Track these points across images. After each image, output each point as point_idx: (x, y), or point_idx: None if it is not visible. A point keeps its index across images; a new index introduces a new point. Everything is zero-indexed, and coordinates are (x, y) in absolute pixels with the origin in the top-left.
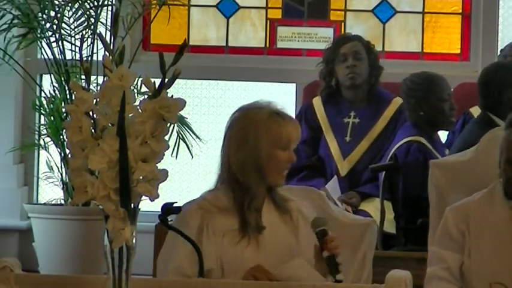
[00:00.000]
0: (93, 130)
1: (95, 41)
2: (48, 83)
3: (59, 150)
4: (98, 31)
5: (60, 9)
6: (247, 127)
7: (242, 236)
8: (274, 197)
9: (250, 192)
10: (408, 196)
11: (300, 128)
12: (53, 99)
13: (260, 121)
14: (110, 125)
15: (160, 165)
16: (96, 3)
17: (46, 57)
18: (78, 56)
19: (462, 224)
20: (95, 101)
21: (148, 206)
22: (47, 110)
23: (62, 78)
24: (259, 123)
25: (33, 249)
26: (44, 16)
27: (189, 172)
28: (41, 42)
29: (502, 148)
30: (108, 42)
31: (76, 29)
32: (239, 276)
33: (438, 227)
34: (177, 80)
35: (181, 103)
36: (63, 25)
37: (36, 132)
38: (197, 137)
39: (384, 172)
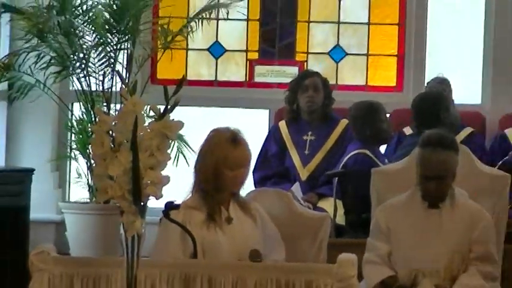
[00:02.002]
0: (112, 145)
1: (114, 76)
2: (77, 109)
3: (86, 160)
4: (116, 69)
5: (87, 52)
6: (208, 147)
7: (214, 226)
8: (236, 199)
9: (212, 196)
10: (355, 196)
11: (251, 155)
12: (81, 122)
13: (216, 144)
14: (125, 141)
15: (164, 172)
16: (115, 47)
17: (76, 88)
18: (101, 88)
19: (388, 220)
20: (113, 122)
21: (154, 203)
22: (77, 129)
23: (89, 105)
24: (216, 146)
25: (66, 237)
26: (75, 57)
27: (186, 177)
28: (72, 77)
29: (418, 163)
30: (124, 77)
31: (99, 67)
32: (217, 258)
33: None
34: (177, 107)
35: (180, 124)
36: (90, 64)
37: (68, 147)
38: (192, 150)
39: (336, 177)
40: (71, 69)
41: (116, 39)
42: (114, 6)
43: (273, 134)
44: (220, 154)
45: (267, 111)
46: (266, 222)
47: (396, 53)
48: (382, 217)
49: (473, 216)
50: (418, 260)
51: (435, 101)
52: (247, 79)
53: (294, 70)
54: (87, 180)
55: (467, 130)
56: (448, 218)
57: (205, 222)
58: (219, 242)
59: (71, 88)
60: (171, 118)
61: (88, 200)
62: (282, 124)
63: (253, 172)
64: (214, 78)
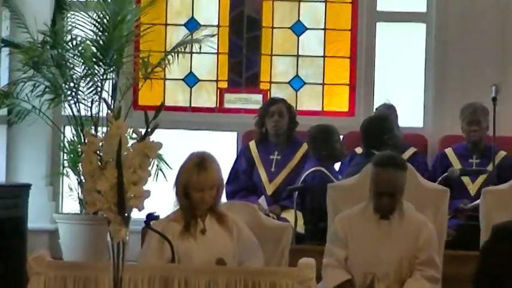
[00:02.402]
0: (99, 163)
1: (101, 103)
2: (69, 131)
3: (76, 177)
4: (103, 96)
5: (77, 81)
6: (180, 169)
7: (188, 236)
8: (214, 213)
9: (187, 211)
10: (313, 208)
11: (217, 179)
12: (72, 143)
13: (185, 168)
14: (111, 160)
15: (145, 187)
16: (101, 78)
17: (68, 114)
18: (89, 113)
19: (345, 228)
20: (100, 143)
21: (137, 214)
22: (68, 149)
23: (79, 128)
24: (184, 170)
25: (59, 244)
26: (66, 86)
27: (165, 191)
28: (64, 104)
29: (371, 181)
30: (110, 103)
31: (88, 95)
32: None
33: (330, 230)
34: (156, 130)
35: (159, 145)
36: (79, 92)
37: (61, 165)
38: (170, 167)
39: (297, 191)
40: (62, 96)
41: (102, 70)
42: (101, 42)
43: (243, 152)
44: (187, 177)
45: (235, 134)
46: (243, 233)
47: (348, 82)
48: (340, 226)
49: (419, 226)
50: (371, 264)
51: (380, 124)
52: (218, 105)
53: (258, 97)
54: (78, 194)
55: (411, 150)
56: (397, 228)
57: (181, 233)
58: (191, 251)
59: (63, 113)
60: (151, 140)
61: (79, 212)
62: (252, 144)
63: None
64: (188, 105)
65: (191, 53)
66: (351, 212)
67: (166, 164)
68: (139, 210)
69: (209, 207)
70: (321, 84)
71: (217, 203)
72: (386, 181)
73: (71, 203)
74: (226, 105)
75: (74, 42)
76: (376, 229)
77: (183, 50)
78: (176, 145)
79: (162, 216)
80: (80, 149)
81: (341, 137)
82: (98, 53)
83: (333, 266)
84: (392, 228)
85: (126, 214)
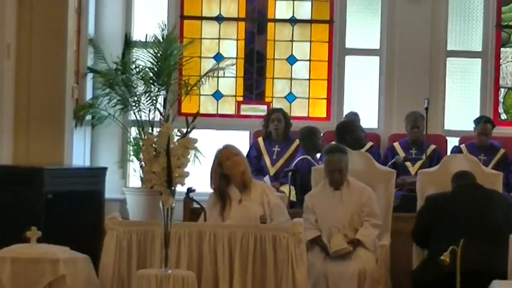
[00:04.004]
0: (154, 153)
1: (156, 111)
2: (134, 131)
3: (139, 162)
4: (157, 107)
5: (139, 96)
6: (216, 156)
7: (227, 208)
8: (247, 187)
9: (224, 186)
10: (302, 184)
11: (238, 152)
12: (136, 139)
13: (215, 160)
14: (162, 150)
15: (186, 169)
16: (156, 94)
17: (133, 119)
18: (148, 118)
19: (312, 201)
20: (155, 139)
21: (180, 188)
22: (133, 143)
23: (141, 129)
24: (218, 159)
25: (127, 209)
26: (132, 99)
27: (199, 172)
28: (130, 112)
29: (325, 163)
30: (162, 112)
31: (147, 106)
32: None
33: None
34: (194, 130)
35: (195, 141)
36: (141, 104)
37: (128, 154)
38: (203, 155)
39: (291, 172)
40: (129, 107)
41: (157, 89)
42: (155, 69)
43: (254, 145)
44: (218, 156)
45: (248, 132)
46: (271, 200)
47: (326, 97)
48: (309, 200)
49: (361, 190)
50: (332, 221)
51: (347, 126)
52: (236, 113)
53: (264, 107)
54: (140, 174)
55: (369, 144)
56: (346, 194)
57: (221, 208)
58: (233, 215)
59: (129, 118)
60: (190, 137)
61: (140, 186)
62: (260, 140)
63: None
64: (216, 112)
65: (218, 77)
66: (315, 189)
67: (201, 153)
68: (182, 185)
69: (242, 180)
70: (307, 98)
71: (249, 179)
72: (335, 162)
73: (135, 180)
74: (242, 113)
75: (137, 70)
76: (332, 197)
77: (212, 75)
78: (207, 140)
79: (198, 190)
80: (141, 143)
81: (321, 135)
82: (154, 77)
83: (308, 228)
84: (343, 194)
85: (173, 188)
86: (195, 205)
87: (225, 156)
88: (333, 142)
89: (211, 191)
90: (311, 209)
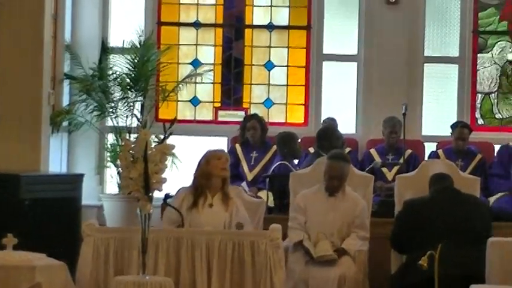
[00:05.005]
0: (132, 159)
1: (133, 117)
2: (111, 137)
3: (116, 168)
4: (134, 113)
5: (116, 102)
6: (202, 158)
7: (196, 208)
8: (223, 193)
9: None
10: (280, 189)
11: (226, 156)
12: (113, 145)
13: (209, 152)
14: (140, 156)
15: (163, 175)
16: (133, 100)
17: (110, 125)
18: (125, 124)
19: (304, 201)
20: (133, 145)
21: (157, 194)
22: (110, 149)
23: (118, 135)
24: (208, 153)
25: (104, 215)
26: (109, 105)
27: (177, 178)
28: (107, 118)
29: (326, 168)
30: (139, 118)
31: (124, 112)
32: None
33: (293, 203)
34: (171, 136)
35: (172, 146)
36: (118, 110)
37: (105, 160)
38: (180, 161)
39: (268, 178)
40: (106, 113)
41: (134, 95)
42: (132, 75)
43: (231, 152)
44: (209, 154)
45: (225, 138)
46: (239, 212)
47: (303, 103)
48: (301, 199)
49: (355, 201)
50: (321, 226)
51: (327, 133)
52: (214, 119)
53: (242, 113)
54: (117, 180)
55: (348, 149)
56: (340, 202)
57: (192, 205)
58: (200, 221)
59: (106, 124)
60: (167, 142)
61: (117, 192)
62: (237, 146)
63: None
64: (194, 118)
65: (195, 82)
66: (309, 190)
67: (178, 159)
68: (159, 191)
69: (221, 187)
70: (285, 104)
71: (227, 184)
72: (337, 169)
73: (112, 187)
74: (220, 119)
75: (114, 76)
76: (325, 203)
77: (189, 81)
78: (185, 146)
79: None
80: (118, 149)
81: (299, 140)
82: (131, 83)
83: (295, 228)
84: (337, 202)
85: (150, 194)
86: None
87: (216, 156)
88: (311, 148)
89: (185, 185)
90: (302, 209)
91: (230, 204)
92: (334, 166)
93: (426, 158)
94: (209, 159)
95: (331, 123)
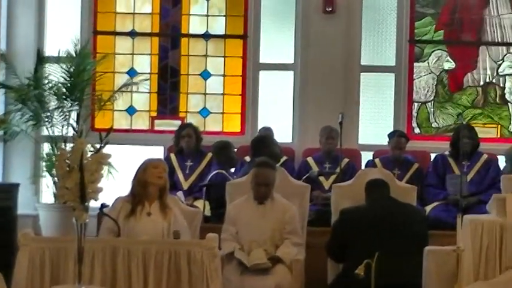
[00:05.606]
0: (68, 168)
1: (69, 127)
2: (47, 146)
3: (52, 178)
4: (70, 122)
5: (52, 112)
6: (140, 166)
7: (134, 216)
8: (161, 202)
9: (139, 195)
10: (216, 198)
11: (163, 168)
12: (49, 154)
13: (143, 165)
14: (76, 166)
15: (99, 184)
16: (69, 109)
17: (46, 134)
18: (61, 133)
19: (235, 212)
20: (69, 154)
21: (94, 204)
22: (46, 159)
23: (54, 144)
24: (145, 162)
25: (39, 225)
26: (44, 115)
27: (113, 188)
28: (43, 127)
29: (253, 176)
30: (75, 127)
31: (60, 121)
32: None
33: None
34: (107, 145)
35: (109, 156)
36: (54, 119)
37: (41, 170)
38: (117, 171)
39: (205, 187)
40: (42, 122)
41: (70, 104)
42: (68, 84)
43: (166, 161)
44: (147, 163)
45: (162, 148)
46: (177, 221)
47: (240, 112)
48: (232, 210)
49: (285, 208)
50: (253, 235)
51: (263, 142)
52: (150, 128)
53: (178, 122)
54: (53, 190)
55: (284, 158)
56: (270, 209)
57: (130, 213)
58: (137, 229)
59: (42, 134)
60: (103, 152)
61: (53, 202)
62: (172, 155)
63: None
64: (130, 127)
65: (131, 92)
66: (239, 200)
67: (115, 169)
68: (95, 200)
69: (159, 196)
70: (221, 113)
71: (165, 193)
72: (263, 176)
73: (48, 196)
74: (156, 128)
75: (50, 85)
76: (255, 211)
77: (125, 90)
78: (121, 156)
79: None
80: (54, 159)
81: (235, 149)
82: (67, 92)
83: (227, 239)
84: (267, 209)
85: (86, 203)
86: (105, 218)
87: (153, 164)
88: (247, 157)
89: (122, 195)
90: (233, 220)
91: (168, 212)
92: (260, 173)
93: (363, 167)
94: (146, 167)
95: (265, 132)
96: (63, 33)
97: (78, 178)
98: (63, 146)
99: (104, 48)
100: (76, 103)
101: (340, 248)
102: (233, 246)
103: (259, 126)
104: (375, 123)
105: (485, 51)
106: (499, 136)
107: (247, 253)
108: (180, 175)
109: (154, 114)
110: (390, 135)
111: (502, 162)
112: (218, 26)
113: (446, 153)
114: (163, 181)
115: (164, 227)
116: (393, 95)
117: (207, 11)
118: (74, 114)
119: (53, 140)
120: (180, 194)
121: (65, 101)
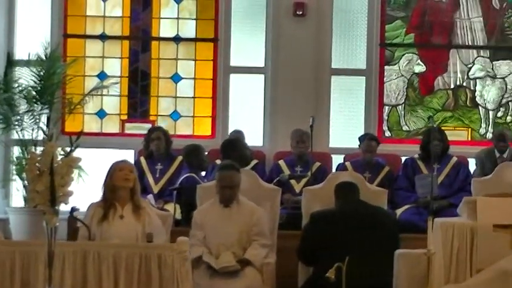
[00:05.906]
0: (38, 171)
1: (39, 130)
2: (17, 150)
3: (22, 181)
4: (40, 125)
5: (22, 115)
6: (111, 166)
7: (107, 220)
8: (133, 203)
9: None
10: (187, 202)
11: (129, 169)
12: (19, 158)
13: (110, 169)
14: (46, 169)
15: (69, 188)
16: (39, 112)
17: (16, 137)
18: (31, 137)
19: (201, 217)
20: (39, 158)
21: (64, 207)
22: (16, 162)
23: (24, 148)
24: (112, 168)
25: (10, 229)
26: (14, 118)
27: (83, 191)
28: (13, 131)
29: (217, 179)
30: (45, 130)
31: (30, 124)
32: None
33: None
34: (77, 149)
35: (79, 159)
36: (24, 122)
37: (11, 173)
38: (87, 174)
39: (176, 190)
40: (12, 125)
41: (40, 107)
42: (38, 88)
43: (136, 164)
44: (113, 167)
45: (132, 151)
46: (152, 221)
47: (211, 115)
48: (198, 216)
49: (251, 210)
50: (220, 238)
51: (233, 145)
52: (120, 131)
53: (149, 126)
54: (23, 193)
55: (255, 161)
56: (236, 212)
57: (103, 217)
58: (111, 232)
59: (12, 137)
60: (73, 155)
61: (23, 206)
62: (142, 159)
63: None
64: (100, 131)
65: (102, 95)
66: (205, 205)
67: (85, 172)
68: (66, 204)
69: (130, 197)
70: (192, 116)
71: (136, 194)
72: (227, 178)
73: (18, 200)
74: (127, 131)
75: (20, 88)
76: (221, 214)
77: (96, 93)
78: (91, 159)
79: (81, 209)
80: (24, 162)
81: (206, 153)
82: (37, 95)
83: (195, 244)
84: (233, 212)
85: (56, 207)
86: (79, 224)
87: (118, 167)
88: (218, 160)
89: (95, 201)
90: (199, 225)
91: (142, 214)
92: (224, 176)
93: (334, 170)
94: (112, 171)
95: (236, 135)
96: (33, 37)
97: (48, 182)
98: (33, 150)
99: (74, 51)
100: (46, 106)
101: (311, 252)
102: (201, 251)
103: (230, 130)
104: (345, 127)
105: (456, 54)
106: (469, 139)
107: (215, 257)
108: (150, 179)
109: (124, 117)
110: (361, 139)
111: (472, 165)
112: (189, 29)
113: (416, 156)
114: (131, 182)
115: (138, 229)
116: (364, 98)
117: (178, 14)
118: (44, 118)
119: (23, 144)
120: (150, 197)
121: (35, 105)
